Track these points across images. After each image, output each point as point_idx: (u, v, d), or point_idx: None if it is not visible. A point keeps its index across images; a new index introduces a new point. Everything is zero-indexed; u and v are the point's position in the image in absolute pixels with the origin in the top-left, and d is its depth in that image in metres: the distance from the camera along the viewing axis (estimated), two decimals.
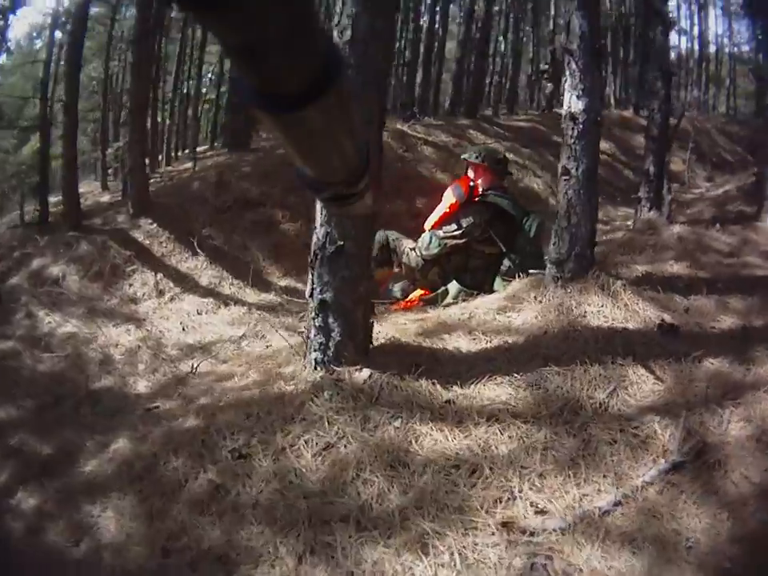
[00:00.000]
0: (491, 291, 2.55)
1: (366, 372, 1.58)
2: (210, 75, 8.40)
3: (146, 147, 4.42)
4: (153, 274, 3.43)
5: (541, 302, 1.96)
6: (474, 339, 1.85)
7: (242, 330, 2.85)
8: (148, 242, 3.63)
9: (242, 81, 0.30)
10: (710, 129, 8.11)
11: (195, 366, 2.23)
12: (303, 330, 1.92)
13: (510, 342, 1.81)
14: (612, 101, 8.66)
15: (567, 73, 2.00)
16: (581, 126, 1.98)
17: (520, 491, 1.26)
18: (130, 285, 3.35)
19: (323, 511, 1.27)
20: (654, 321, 1.80)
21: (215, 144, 6.46)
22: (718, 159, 7.27)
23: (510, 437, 1.41)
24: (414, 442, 1.41)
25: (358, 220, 1.58)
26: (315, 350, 1.66)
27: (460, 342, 1.85)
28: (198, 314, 3.15)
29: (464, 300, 2.46)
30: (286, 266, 3.90)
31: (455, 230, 2.60)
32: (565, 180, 2.03)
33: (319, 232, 1.63)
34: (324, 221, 1.61)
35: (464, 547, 1.15)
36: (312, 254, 1.67)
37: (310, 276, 1.70)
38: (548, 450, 1.37)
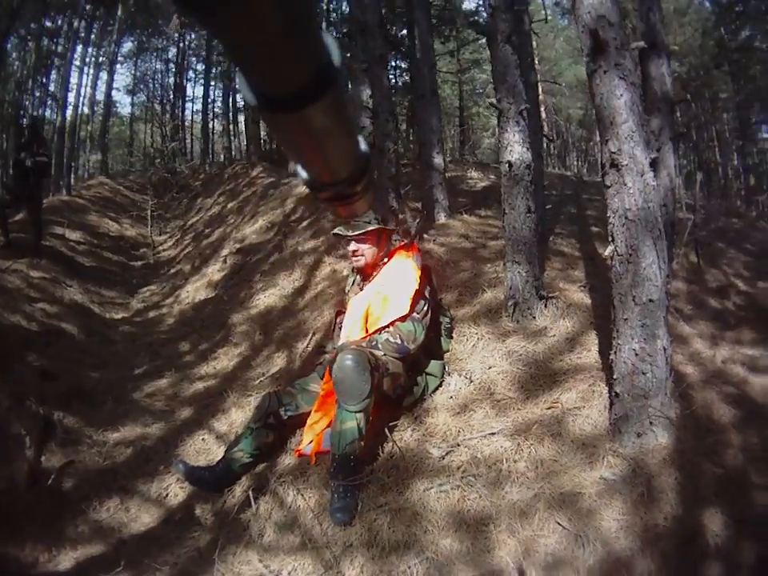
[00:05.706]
0: (443, 354, 2.32)
1: None
2: None
3: None
4: None
5: None
6: None
7: None
8: None
9: (244, 81, 0.31)
10: None
11: None
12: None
13: None
14: None
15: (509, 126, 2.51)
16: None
17: None
18: None
19: None
20: None
21: None
22: None
23: None
24: None
25: None
26: None
27: None
28: None
29: (447, 374, 2.21)
30: None
31: (425, 305, 2.08)
32: None
33: None
34: None
35: None
36: None
37: None
38: None
